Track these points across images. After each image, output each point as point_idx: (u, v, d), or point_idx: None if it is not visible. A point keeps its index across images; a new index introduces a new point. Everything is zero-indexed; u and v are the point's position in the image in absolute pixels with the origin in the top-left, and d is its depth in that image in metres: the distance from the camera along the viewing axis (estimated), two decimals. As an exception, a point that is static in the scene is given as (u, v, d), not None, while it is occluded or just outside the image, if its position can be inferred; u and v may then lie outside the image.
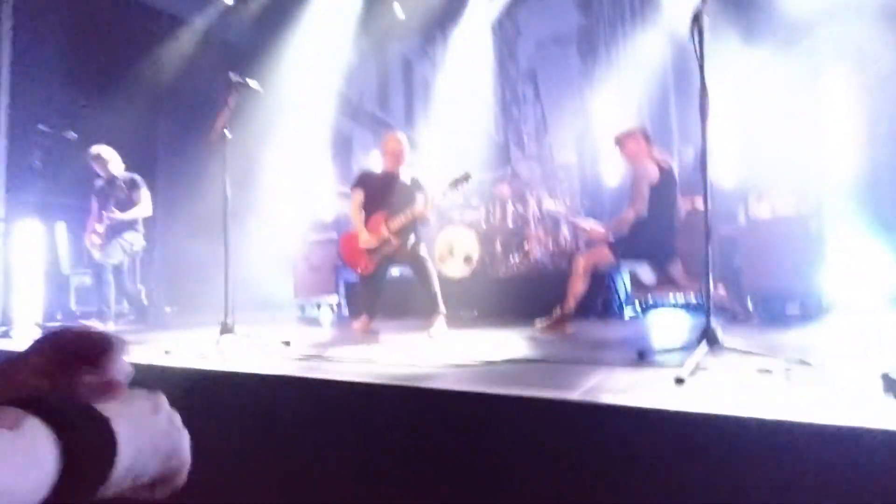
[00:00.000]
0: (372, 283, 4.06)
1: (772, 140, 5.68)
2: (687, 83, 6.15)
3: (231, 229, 3.57)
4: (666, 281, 3.83)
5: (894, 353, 2.30)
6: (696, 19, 2.34)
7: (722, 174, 5.74)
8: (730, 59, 5.81)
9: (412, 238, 3.96)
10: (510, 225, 5.48)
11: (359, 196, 4.05)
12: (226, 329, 3.29)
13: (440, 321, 3.81)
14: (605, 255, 3.65)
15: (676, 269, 3.69)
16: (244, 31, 7.02)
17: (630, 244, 3.63)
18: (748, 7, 5.81)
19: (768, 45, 5.68)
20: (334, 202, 7.48)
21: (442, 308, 3.84)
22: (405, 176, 4.09)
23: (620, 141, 3.75)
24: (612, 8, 7.02)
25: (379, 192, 3.99)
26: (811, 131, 5.38)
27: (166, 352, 2.94)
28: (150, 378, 2.50)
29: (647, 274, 3.91)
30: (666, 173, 3.57)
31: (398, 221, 3.86)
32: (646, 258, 3.76)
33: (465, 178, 3.80)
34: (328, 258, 6.41)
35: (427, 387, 1.87)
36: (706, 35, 2.46)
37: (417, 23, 7.34)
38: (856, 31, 5.19)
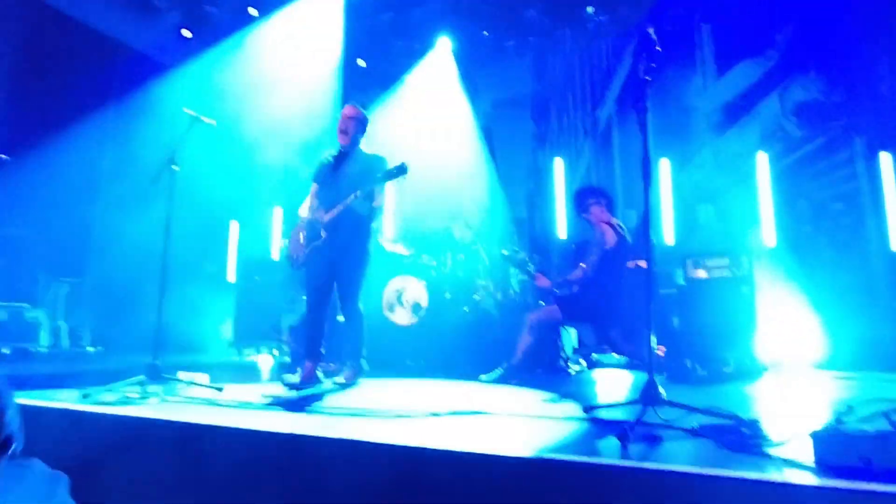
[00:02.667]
0: (313, 310, 3.46)
1: (707, 210, 6.08)
2: (631, 151, 6.56)
3: (170, 266, 3.41)
4: (607, 343, 3.92)
5: (820, 414, 2.41)
6: (640, 92, 2.50)
7: (663, 238, 6.06)
8: (671, 133, 6.27)
9: (349, 235, 3.35)
10: (460, 274, 5.51)
11: (314, 187, 3.60)
12: (153, 372, 3.07)
13: (350, 374, 3.37)
14: (552, 313, 3.71)
15: (616, 333, 3.78)
16: (202, 63, 6.99)
17: (576, 306, 3.70)
18: (686, 91, 6.32)
19: (704, 125, 6.18)
20: (280, 242, 7.35)
21: (362, 363, 3.40)
22: (360, 155, 3.52)
23: (584, 203, 3.86)
24: (564, 78, 7.48)
25: (329, 177, 3.49)
26: (742, 202, 5.80)
27: (84, 395, 2.70)
28: (65, 425, 2.28)
29: (589, 335, 4.00)
30: (621, 239, 3.71)
31: (333, 211, 3.32)
32: (589, 321, 3.85)
33: (402, 170, 3.22)
34: (272, 300, 6.20)
35: (365, 440, 1.79)
36: (648, 108, 2.64)
37: (378, 73, 7.55)
38: (774, 119, 5.75)
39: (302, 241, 3.50)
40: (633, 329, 3.71)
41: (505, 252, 4.68)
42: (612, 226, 3.76)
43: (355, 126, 3.51)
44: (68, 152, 5.91)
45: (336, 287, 3.47)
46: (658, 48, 2.51)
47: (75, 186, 5.27)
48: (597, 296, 3.68)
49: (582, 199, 3.91)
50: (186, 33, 6.95)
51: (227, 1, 6.77)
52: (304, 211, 3.60)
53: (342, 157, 3.54)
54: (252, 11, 6.72)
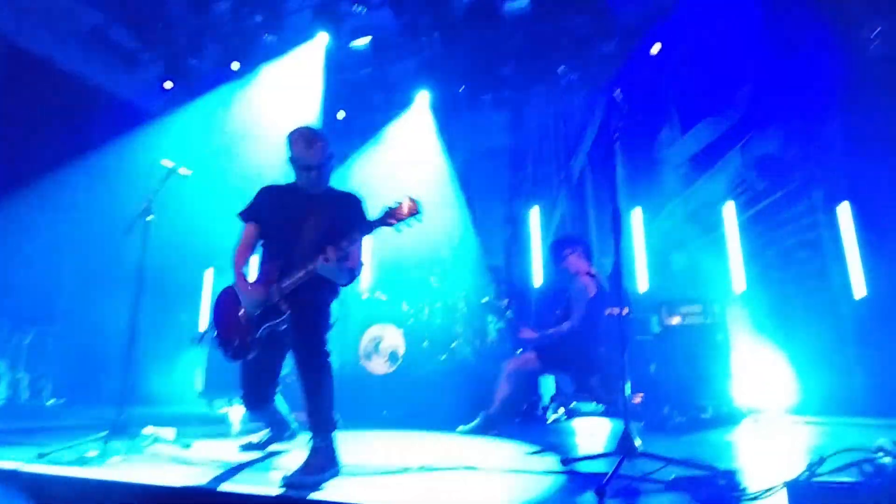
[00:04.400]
0: (254, 374, 2.62)
1: (679, 257, 6.23)
2: (604, 201, 6.74)
3: (140, 315, 3.34)
4: (585, 391, 3.91)
5: (795, 462, 2.41)
6: (608, 149, 2.62)
7: (636, 286, 6.15)
8: (643, 184, 6.48)
9: (314, 311, 2.46)
10: (437, 322, 5.49)
11: (249, 231, 2.65)
12: (117, 427, 2.94)
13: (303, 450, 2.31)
14: (531, 361, 3.70)
15: (596, 381, 3.78)
16: (183, 114, 7.06)
17: (555, 355, 3.70)
18: (655, 144, 6.59)
19: (673, 177, 6.41)
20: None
21: (320, 436, 2.26)
22: (330, 193, 2.64)
23: (561, 253, 3.90)
24: (539, 130, 7.75)
25: (283, 220, 2.57)
26: (712, 250, 5.96)
27: (40, 455, 2.55)
28: (16, 489, 2.15)
29: (568, 384, 3.99)
30: (599, 289, 3.76)
31: (296, 276, 2.42)
32: (568, 370, 3.85)
33: (417, 211, 2.31)
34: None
35: (327, 500, 1.73)
36: (618, 162, 2.75)
37: (358, 125, 7.71)
38: (737, 172, 6.01)
39: (243, 320, 2.50)
40: (611, 377, 3.72)
41: (485, 299, 4.69)
42: (591, 275, 3.82)
43: (323, 156, 2.56)
44: (41, 200, 5.83)
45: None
46: (625, 108, 2.63)
47: (44, 234, 5.16)
48: (576, 345, 3.69)
49: (559, 249, 3.97)
50: (168, 85, 7.04)
51: (210, 55, 6.92)
52: (240, 261, 2.68)
53: (306, 197, 2.60)
54: (234, 66, 6.87)
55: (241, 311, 2.55)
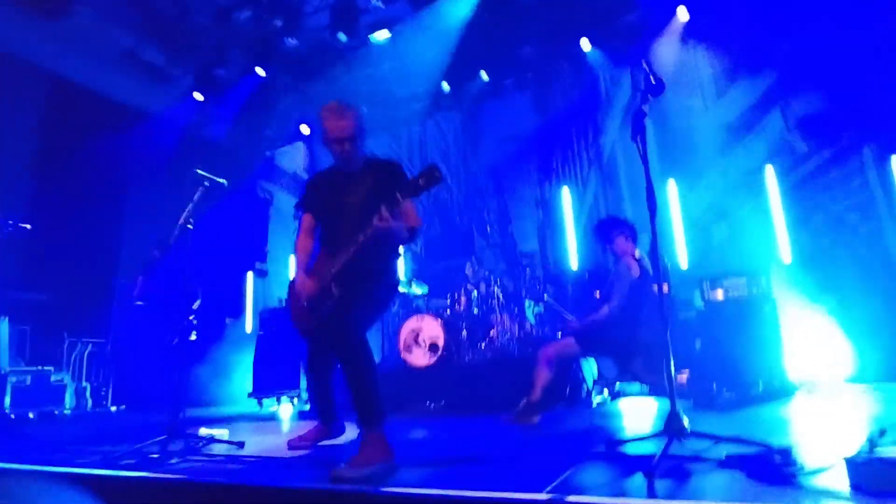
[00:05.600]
0: (314, 352, 2.77)
1: (720, 229, 6.03)
2: (637, 176, 6.58)
3: (188, 322, 3.47)
4: (628, 375, 3.85)
5: (854, 435, 2.31)
6: (637, 122, 2.53)
7: (678, 261, 6.00)
8: (677, 154, 6.28)
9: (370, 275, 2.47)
10: (475, 311, 5.49)
11: (305, 221, 2.71)
12: (174, 430, 3.07)
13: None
14: (570, 346, 3.66)
15: (638, 364, 3.72)
16: (214, 125, 7.27)
17: (595, 339, 3.66)
18: (688, 113, 6.37)
19: (709, 145, 6.18)
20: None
21: (366, 427, 2.28)
22: (370, 165, 2.62)
23: (609, 234, 3.85)
24: (565, 109, 7.59)
25: (332, 208, 2.58)
26: (755, 219, 5.75)
27: (106, 458, 2.70)
28: (88, 490, 2.28)
29: (609, 368, 3.93)
30: (644, 272, 3.70)
31: (344, 255, 2.41)
32: (609, 354, 3.79)
33: (434, 175, 2.23)
34: (290, 348, 6.21)
35: (387, 491, 1.76)
36: (649, 135, 2.66)
37: (381, 119, 7.76)
38: (779, 135, 5.75)
39: (304, 306, 2.58)
40: (654, 358, 3.65)
41: (546, 298, 4.63)
42: (635, 258, 3.77)
43: (355, 127, 2.54)
44: (90, 218, 6.11)
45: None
46: (653, 78, 2.55)
47: (97, 251, 5.43)
48: (616, 328, 3.64)
49: (608, 230, 3.91)
50: (198, 96, 7.23)
51: (235, 62, 7.06)
52: (299, 251, 2.71)
53: (344, 175, 2.61)
54: (259, 71, 6.99)
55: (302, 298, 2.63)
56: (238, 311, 7.72)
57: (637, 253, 3.79)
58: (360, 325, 2.42)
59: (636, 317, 3.67)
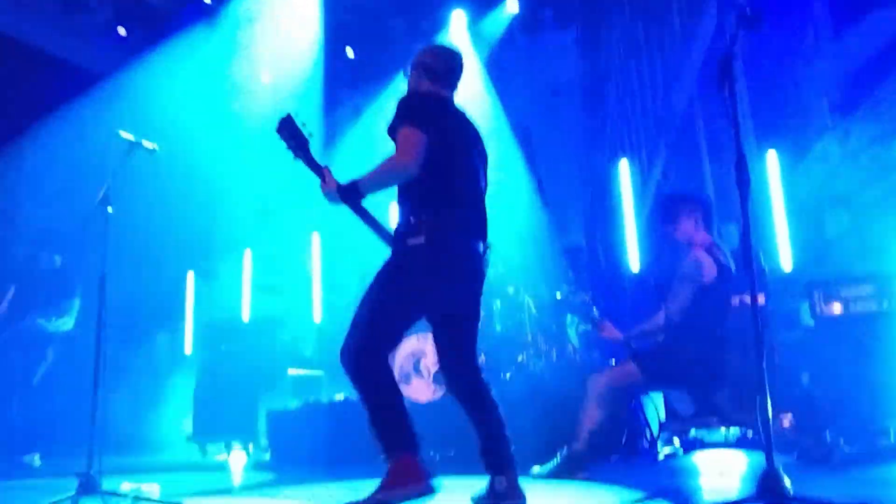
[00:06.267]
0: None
1: (838, 217, 5.98)
2: (723, 145, 6.54)
3: (107, 339, 3.51)
4: (709, 411, 3.84)
5: None
6: (725, 67, 2.52)
7: (779, 262, 5.96)
8: (779, 115, 6.24)
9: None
10: (497, 328, 5.50)
11: (421, 138, 2.63)
12: (87, 484, 3.10)
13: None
14: (630, 375, 3.66)
15: (723, 397, 3.72)
16: (142, 69, 7.29)
17: (664, 363, 3.65)
18: (795, 59, 6.31)
19: (823, 103, 6.13)
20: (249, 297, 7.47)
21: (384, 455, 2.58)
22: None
23: (671, 213, 3.85)
24: (625, 53, 7.55)
25: (462, 135, 2.85)
26: (887, 204, 5.69)
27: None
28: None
29: (684, 403, 3.92)
30: (723, 269, 3.67)
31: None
32: (684, 383, 3.79)
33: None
34: (244, 377, 6.25)
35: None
36: (741, 88, 2.65)
37: (373, 64, 7.78)
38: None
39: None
40: (746, 392, 3.64)
41: (559, 295, 4.65)
42: (709, 250, 3.74)
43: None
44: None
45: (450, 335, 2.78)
46: (747, 7, 2.55)
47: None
48: (692, 347, 3.64)
49: (671, 208, 3.91)
50: (122, 31, 7.28)
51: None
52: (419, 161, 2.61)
53: (464, 115, 2.93)
54: (205, -1, 7.04)
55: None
56: (173, 324, 7.78)
57: (713, 242, 3.79)
58: (359, 332, 2.61)
59: (717, 332, 3.66)
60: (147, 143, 3.64)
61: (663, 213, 3.96)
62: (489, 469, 2.67)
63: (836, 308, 4.25)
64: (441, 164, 2.60)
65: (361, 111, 8.08)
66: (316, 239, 8.14)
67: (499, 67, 7.65)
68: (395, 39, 7.69)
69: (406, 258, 2.59)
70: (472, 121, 2.94)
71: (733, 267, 3.80)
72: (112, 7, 7.22)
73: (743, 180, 2.49)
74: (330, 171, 2.79)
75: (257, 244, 8.27)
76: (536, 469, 3.78)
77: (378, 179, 2.66)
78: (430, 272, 2.56)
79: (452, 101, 2.90)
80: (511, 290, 5.62)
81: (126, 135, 3.60)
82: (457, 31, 7.42)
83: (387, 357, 2.66)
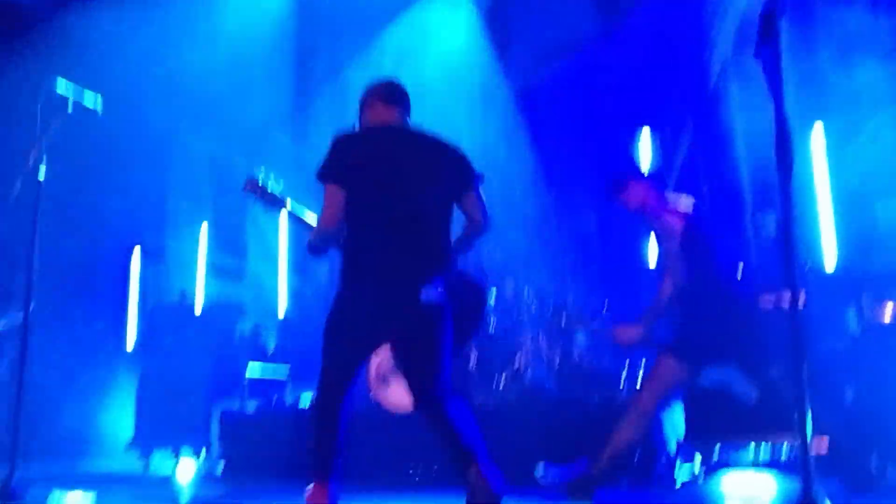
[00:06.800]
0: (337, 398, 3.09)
1: (891, 208, 5.98)
2: (761, 118, 6.51)
3: (34, 325, 3.50)
4: (770, 387, 3.87)
5: None
6: (768, 23, 2.47)
7: (821, 257, 5.96)
8: (825, 86, 6.22)
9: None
10: (492, 326, 5.48)
11: (337, 194, 3.10)
12: (6, 494, 3.10)
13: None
14: (673, 373, 3.66)
15: (778, 372, 3.76)
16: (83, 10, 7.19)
17: (699, 338, 3.67)
18: (846, 17, 6.28)
19: (879, 71, 6.11)
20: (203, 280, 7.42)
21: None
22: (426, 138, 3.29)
23: (616, 185, 4.02)
24: (646, 8, 7.50)
25: (383, 175, 3.12)
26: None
27: None
28: None
29: (741, 383, 3.93)
30: (695, 220, 3.80)
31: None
32: (731, 354, 3.80)
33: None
34: (193, 374, 6.22)
35: None
36: (784, 50, 2.61)
37: (354, 17, 7.70)
38: None
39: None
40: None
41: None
42: (668, 207, 3.86)
43: (402, 93, 3.34)
44: None
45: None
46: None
47: None
48: (716, 303, 3.72)
49: (616, 182, 4.05)
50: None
51: None
52: (323, 229, 3.12)
53: (398, 140, 3.24)
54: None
55: None
56: (114, 311, 7.73)
57: (674, 200, 3.87)
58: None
59: (726, 283, 3.82)
60: (88, 101, 3.61)
61: (610, 187, 4.09)
62: (457, 465, 2.94)
63: (888, 313, 4.25)
64: (359, 209, 3.01)
65: (342, 67, 8.00)
66: (284, 214, 8.09)
67: (499, 19, 7.60)
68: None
69: (334, 305, 3.04)
70: (427, 136, 3.23)
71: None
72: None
73: (784, 160, 2.45)
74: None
75: (215, 218, 8.20)
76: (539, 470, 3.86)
77: (317, 239, 3.16)
78: (350, 313, 3.00)
79: (396, 126, 3.23)
80: (510, 282, 5.60)
81: (64, 88, 3.56)
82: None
83: (338, 395, 3.00)
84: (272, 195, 3.41)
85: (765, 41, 2.51)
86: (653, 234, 4.00)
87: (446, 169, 3.16)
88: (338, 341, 3.02)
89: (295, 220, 3.45)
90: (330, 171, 3.01)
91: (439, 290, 2.96)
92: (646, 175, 4.04)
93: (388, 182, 3.03)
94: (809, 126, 6.22)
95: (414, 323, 2.97)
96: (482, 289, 3.50)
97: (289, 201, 3.51)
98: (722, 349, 3.78)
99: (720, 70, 7.05)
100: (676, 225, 3.73)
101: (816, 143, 6.22)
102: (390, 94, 3.26)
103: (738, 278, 3.93)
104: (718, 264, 3.84)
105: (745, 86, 6.81)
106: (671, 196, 3.97)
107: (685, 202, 3.90)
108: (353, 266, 3.04)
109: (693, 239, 3.72)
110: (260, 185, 3.41)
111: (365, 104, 3.27)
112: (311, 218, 3.32)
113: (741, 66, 6.84)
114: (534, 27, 7.72)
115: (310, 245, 3.16)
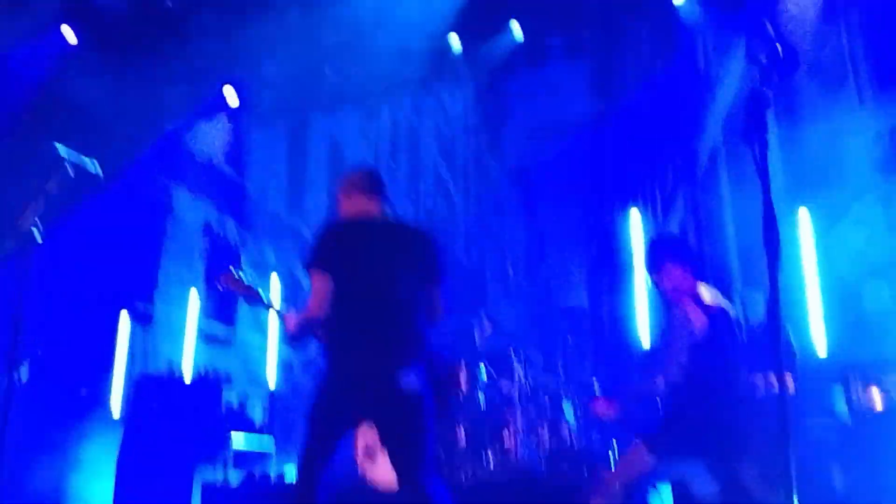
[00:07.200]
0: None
1: (878, 291, 6.03)
2: (749, 201, 6.61)
3: (16, 388, 3.45)
4: (735, 489, 3.80)
5: None
6: (755, 112, 2.54)
7: (810, 340, 5.97)
8: (813, 172, 6.33)
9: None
10: (481, 400, 5.45)
11: (324, 281, 3.26)
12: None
13: None
14: (640, 460, 3.62)
15: (752, 476, 3.68)
16: (88, 80, 7.31)
17: (670, 435, 3.62)
18: (832, 109, 6.44)
19: (863, 159, 6.24)
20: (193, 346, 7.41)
21: None
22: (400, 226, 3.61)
23: (655, 261, 3.92)
24: (640, 92, 7.67)
25: (364, 259, 3.31)
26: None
27: None
28: None
29: (703, 482, 3.87)
30: (716, 319, 3.70)
31: None
32: (699, 454, 3.75)
33: None
34: (182, 445, 6.13)
35: None
36: (772, 138, 2.68)
37: (351, 84, 7.85)
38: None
39: None
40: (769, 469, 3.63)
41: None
42: (697, 298, 3.79)
43: (381, 183, 3.55)
44: None
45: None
46: (781, 51, 2.60)
47: None
48: (700, 409, 3.64)
49: (653, 254, 3.98)
50: (68, 33, 7.32)
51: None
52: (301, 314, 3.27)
53: (379, 231, 3.42)
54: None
55: None
56: (99, 377, 7.64)
57: (705, 294, 3.82)
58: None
59: (730, 394, 3.67)
60: (88, 163, 3.64)
61: (648, 259, 4.02)
62: None
63: (876, 398, 4.26)
64: (341, 296, 3.12)
65: (338, 140, 8.14)
66: (275, 281, 8.10)
67: (495, 100, 7.75)
68: (384, 60, 7.78)
69: (315, 387, 3.21)
70: (402, 226, 3.53)
71: (732, 312, 3.85)
72: (59, 5, 7.27)
73: (771, 241, 2.48)
74: (290, 315, 3.28)
75: (206, 285, 8.19)
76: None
77: (303, 327, 3.23)
78: (330, 395, 3.14)
79: (374, 217, 3.39)
80: (500, 355, 5.59)
81: (64, 150, 3.60)
82: (451, 54, 7.53)
83: (316, 470, 3.10)
84: (248, 287, 3.47)
85: (753, 127, 2.57)
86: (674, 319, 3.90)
87: (421, 260, 3.30)
88: (319, 419, 3.13)
89: (270, 307, 3.52)
90: (316, 260, 3.15)
91: (416, 375, 3.06)
92: (683, 254, 3.95)
93: (369, 271, 3.18)
94: (797, 208, 6.31)
95: (393, 408, 3.04)
96: (454, 367, 3.60)
97: (263, 294, 3.56)
98: (688, 450, 3.74)
99: (710, 153, 7.18)
100: (699, 324, 3.66)
101: (804, 226, 6.30)
102: (370, 185, 3.42)
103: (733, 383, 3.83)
104: (721, 369, 3.71)
105: (735, 168, 6.95)
106: (700, 287, 3.88)
107: (711, 295, 3.83)
108: (334, 349, 3.18)
109: (708, 340, 3.64)
110: (235, 279, 3.48)
111: (345, 193, 3.43)
112: (281, 308, 3.43)
113: (731, 151, 6.98)
114: (528, 108, 7.88)
115: (290, 336, 3.29)
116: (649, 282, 4.10)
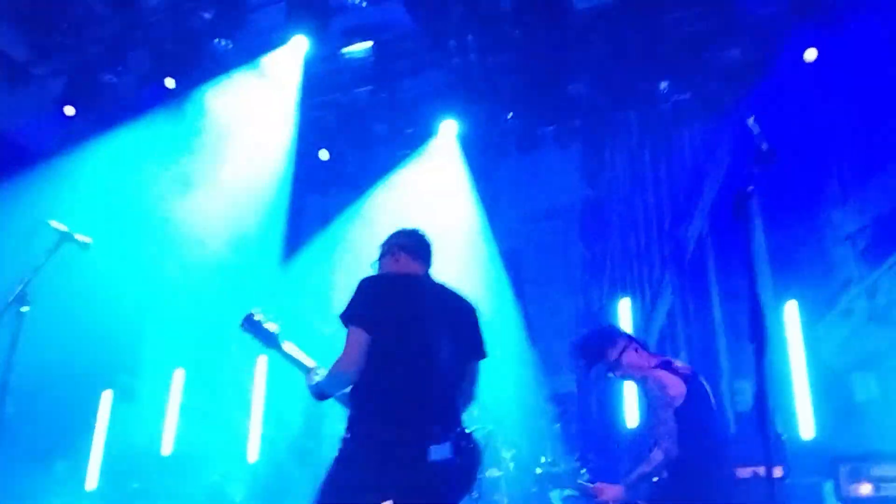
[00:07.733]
0: None
1: (866, 382, 6.01)
2: (737, 290, 6.66)
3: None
4: None
5: None
6: (740, 206, 2.60)
7: (798, 431, 5.91)
8: (799, 264, 6.37)
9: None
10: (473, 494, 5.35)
11: (362, 337, 3.09)
12: None
13: None
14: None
15: None
16: (86, 154, 7.38)
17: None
18: (817, 202, 6.53)
19: (848, 252, 6.30)
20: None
21: None
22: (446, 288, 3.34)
23: (593, 350, 3.96)
24: (630, 180, 7.80)
25: (412, 319, 3.10)
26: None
27: None
28: None
29: None
30: (690, 382, 3.74)
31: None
32: None
33: None
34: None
35: None
36: (758, 229, 2.74)
37: (348, 171, 7.95)
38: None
39: None
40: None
41: (539, 470, 4.58)
42: (665, 367, 3.80)
43: (429, 250, 3.36)
44: None
45: None
46: (765, 145, 2.66)
47: None
48: (702, 477, 3.63)
49: (588, 345, 4.01)
50: (69, 110, 7.44)
51: (135, 66, 7.32)
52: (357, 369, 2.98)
53: (426, 291, 3.21)
54: (168, 83, 7.25)
55: None
56: (77, 451, 7.48)
57: (660, 362, 3.83)
58: None
59: (718, 457, 3.68)
60: (80, 237, 3.66)
61: (585, 356, 4.03)
62: None
63: (866, 489, 4.22)
64: (379, 355, 2.89)
65: (330, 218, 8.20)
66: (262, 363, 8.02)
67: (491, 187, 7.83)
68: (377, 144, 7.90)
69: (339, 453, 2.89)
70: (450, 291, 3.24)
71: (707, 386, 3.85)
72: (63, 83, 7.42)
73: (758, 333, 2.51)
74: (313, 370, 3.17)
75: (191, 364, 8.11)
76: None
77: (332, 383, 3.02)
78: (355, 465, 2.82)
79: (422, 278, 3.20)
80: (485, 442, 5.52)
81: (57, 224, 3.62)
82: (445, 141, 7.67)
83: None
84: (267, 332, 3.34)
85: (738, 220, 2.63)
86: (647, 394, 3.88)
87: (466, 331, 3.15)
88: (339, 492, 2.85)
89: (292, 361, 3.29)
90: (355, 314, 2.93)
91: (448, 449, 2.83)
92: (632, 343, 3.95)
93: (410, 332, 2.96)
94: (785, 300, 6.34)
95: (421, 483, 2.81)
96: (480, 450, 3.21)
97: (285, 343, 3.39)
98: None
99: (698, 239, 7.24)
100: (677, 391, 3.67)
101: (791, 317, 6.32)
102: (417, 250, 3.25)
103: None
104: (713, 432, 3.78)
105: (721, 259, 7.00)
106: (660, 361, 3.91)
107: (679, 363, 3.87)
108: (364, 413, 2.91)
109: (690, 404, 3.67)
110: (255, 321, 3.34)
111: (390, 252, 3.24)
112: (307, 361, 3.23)
113: (717, 242, 7.04)
114: (522, 194, 7.96)
115: (317, 387, 3.06)
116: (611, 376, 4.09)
